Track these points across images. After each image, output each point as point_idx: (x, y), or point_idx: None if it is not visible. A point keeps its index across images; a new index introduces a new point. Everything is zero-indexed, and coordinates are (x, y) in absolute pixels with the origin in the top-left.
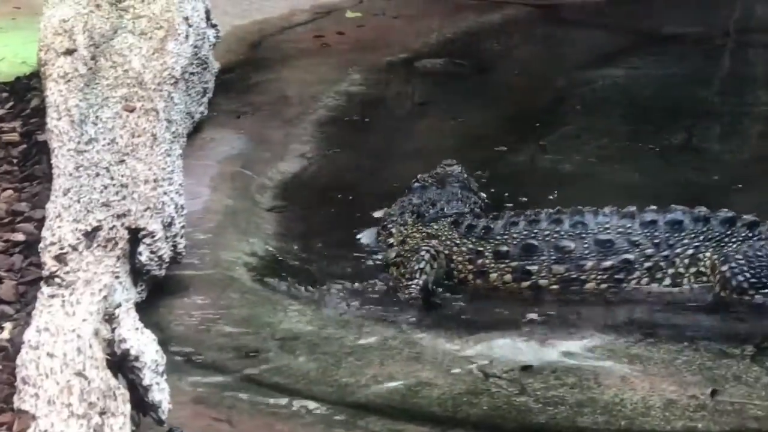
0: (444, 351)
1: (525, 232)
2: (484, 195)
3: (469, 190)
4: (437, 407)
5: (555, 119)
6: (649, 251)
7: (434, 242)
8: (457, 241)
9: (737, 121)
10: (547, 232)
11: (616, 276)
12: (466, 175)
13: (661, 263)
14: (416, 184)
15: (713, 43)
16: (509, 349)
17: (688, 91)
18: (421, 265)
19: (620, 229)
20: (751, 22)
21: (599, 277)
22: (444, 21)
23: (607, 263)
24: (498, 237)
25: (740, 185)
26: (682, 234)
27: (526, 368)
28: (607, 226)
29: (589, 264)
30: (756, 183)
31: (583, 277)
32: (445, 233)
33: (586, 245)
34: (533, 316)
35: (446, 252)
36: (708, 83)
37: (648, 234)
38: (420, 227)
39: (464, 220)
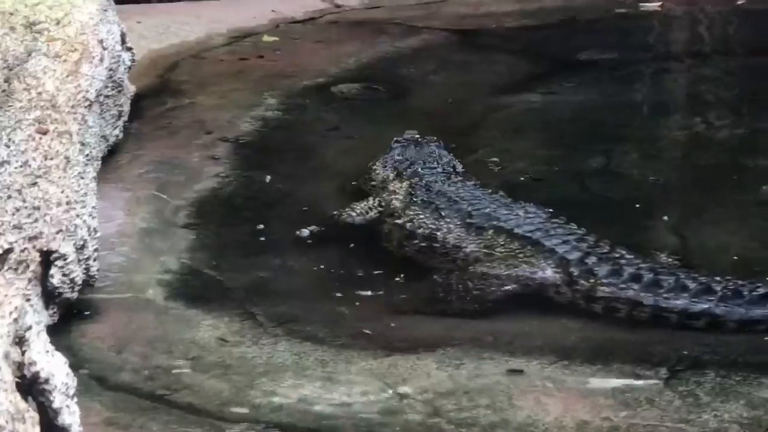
0: (358, 370)
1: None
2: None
3: (444, 150)
4: (351, 428)
5: (472, 143)
6: None
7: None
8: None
9: (654, 146)
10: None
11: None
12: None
13: None
14: (395, 144)
15: (629, 68)
16: (423, 370)
17: (604, 116)
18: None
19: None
20: (666, 48)
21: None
22: (361, 46)
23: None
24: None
25: (656, 207)
26: None
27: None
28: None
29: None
30: (670, 205)
31: None
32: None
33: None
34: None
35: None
36: (624, 108)
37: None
38: (397, 183)
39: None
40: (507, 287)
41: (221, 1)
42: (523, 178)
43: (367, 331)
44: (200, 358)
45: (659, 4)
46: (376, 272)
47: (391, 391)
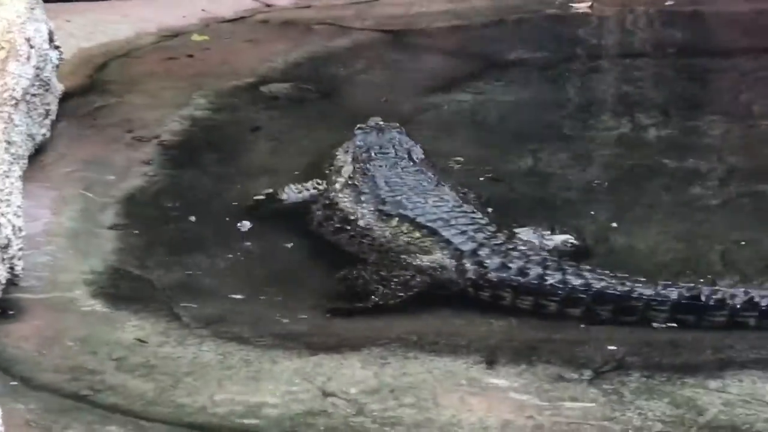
0: (283, 369)
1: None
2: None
3: (406, 136)
4: (274, 428)
5: None
6: None
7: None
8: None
9: (582, 146)
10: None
11: None
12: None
13: None
14: (358, 130)
15: (559, 69)
16: (348, 369)
17: (533, 115)
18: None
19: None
20: (596, 49)
21: None
22: (291, 46)
23: None
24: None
25: (583, 207)
26: None
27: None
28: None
29: None
30: (597, 205)
31: None
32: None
33: None
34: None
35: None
36: (553, 108)
37: None
38: (349, 167)
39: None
40: (415, 278)
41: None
42: (482, 179)
43: (294, 331)
44: (125, 359)
45: (589, 4)
46: (304, 270)
47: (315, 391)
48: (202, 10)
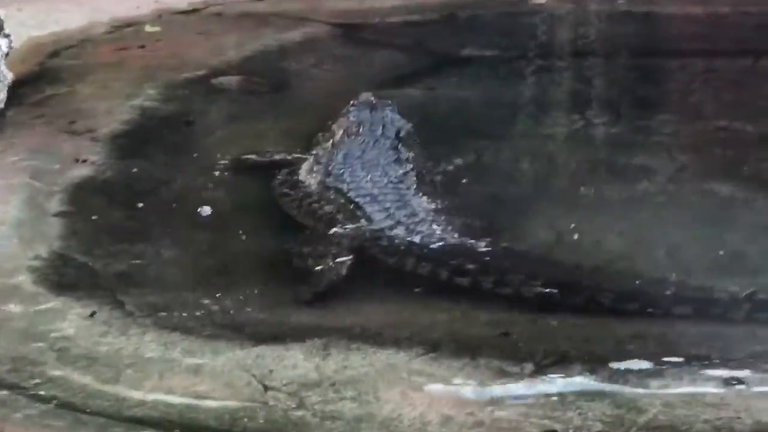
0: (224, 362)
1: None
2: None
3: (398, 114)
4: (214, 421)
5: None
6: None
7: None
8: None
9: (530, 143)
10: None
11: None
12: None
13: None
14: (352, 107)
15: (511, 66)
16: (290, 361)
17: (482, 112)
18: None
19: None
20: (549, 46)
21: None
22: (244, 38)
23: None
24: None
25: (530, 203)
26: None
27: None
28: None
29: None
30: (545, 201)
31: None
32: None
33: None
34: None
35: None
36: (503, 105)
37: None
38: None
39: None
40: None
41: None
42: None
43: (238, 320)
44: (66, 349)
45: None
46: (255, 259)
47: (256, 384)
48: (156, 0)
